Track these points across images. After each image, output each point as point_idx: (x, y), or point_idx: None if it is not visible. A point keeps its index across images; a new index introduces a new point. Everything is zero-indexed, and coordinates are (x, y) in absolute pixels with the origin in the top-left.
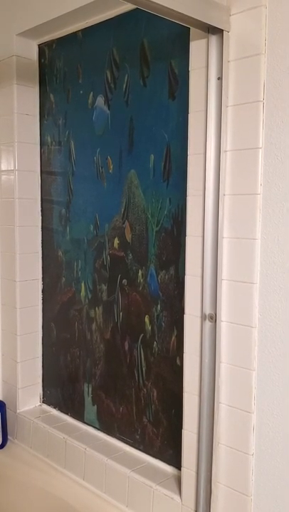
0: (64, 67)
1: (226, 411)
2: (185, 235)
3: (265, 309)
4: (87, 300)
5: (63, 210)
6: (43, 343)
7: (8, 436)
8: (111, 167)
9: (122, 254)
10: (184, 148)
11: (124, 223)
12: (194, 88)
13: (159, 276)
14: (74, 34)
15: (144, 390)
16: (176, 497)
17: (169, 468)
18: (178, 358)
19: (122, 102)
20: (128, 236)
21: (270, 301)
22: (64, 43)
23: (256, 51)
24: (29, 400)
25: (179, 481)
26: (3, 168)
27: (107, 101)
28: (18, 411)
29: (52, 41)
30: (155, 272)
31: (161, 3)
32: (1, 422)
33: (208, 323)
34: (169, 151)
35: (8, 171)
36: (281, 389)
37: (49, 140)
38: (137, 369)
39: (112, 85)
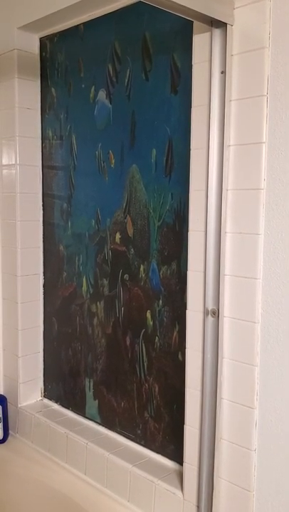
0: (65, 61)
1: (228, 406)
2: (187, 230)
3: (268, 305)
4: (88, 295)
5: (65, 205)
6: (44, 338)
7: (10, 431)
8: (113, 161)
9: (124, 248)
10: (187, 143)
11: (125, 218)
12: (197, 82)
13: (161, 272)
14: (76, 27)
15: (146, 385)
16: (178, 492)
17: (170, 464)
18: (180, 353)
19: (123, 96)
20: (130, 231)
21: (273, 297)
22: (65, 37)
23: (260, 45)
24: (30, 394)
25: (180, 476)
26: (5, 162)
27: (108, 95)
28: (19, 405)
29: (53, 35)
30: (157, 267)
31: None
32: (3, 417)
33: (210, 319)
34: (171, 146)
35: (9, 165)
36: (284, 385)
37: (50, 134)
38: (138, 364)
39: (114, 79)
